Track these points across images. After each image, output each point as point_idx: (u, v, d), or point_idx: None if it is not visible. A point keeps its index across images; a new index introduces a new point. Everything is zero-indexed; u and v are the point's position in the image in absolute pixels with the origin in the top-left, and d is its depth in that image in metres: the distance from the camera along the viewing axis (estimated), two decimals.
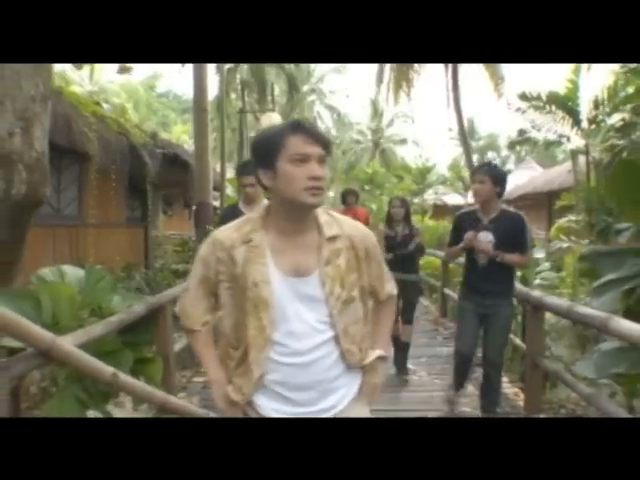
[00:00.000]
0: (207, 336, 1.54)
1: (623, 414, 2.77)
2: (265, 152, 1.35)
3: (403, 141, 31.47)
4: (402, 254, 4.20)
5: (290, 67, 15.62)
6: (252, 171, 3.27)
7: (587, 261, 3.47)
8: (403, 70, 12.67)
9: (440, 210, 17.36)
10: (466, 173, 15.01)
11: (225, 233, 1.44)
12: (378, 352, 1.53)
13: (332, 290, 1.38)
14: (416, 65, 12.63)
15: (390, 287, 1.60)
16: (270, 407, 1.41)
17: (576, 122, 9.19)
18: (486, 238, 3.06)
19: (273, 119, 8.75)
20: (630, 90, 7.68)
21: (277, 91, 18.22)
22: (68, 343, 1.97)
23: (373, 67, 13.47)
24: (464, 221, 3.25)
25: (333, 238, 1.41)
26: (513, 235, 3.07)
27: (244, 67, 15.15)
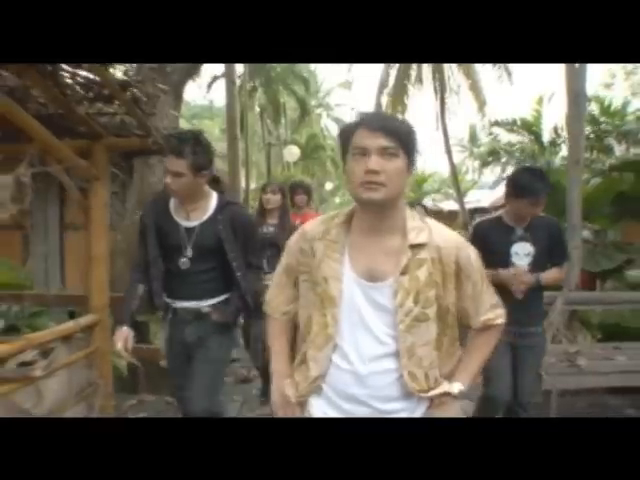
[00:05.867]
0: (283, 326, 1.49)
1: None
2: (340, 146, 1.31)
3: None
4: None
5: (301, 91, 17.74)
6: (188, 155, 1.99)
7: None
8: (398, 96, 14.75)
9: (437, 216, 19.14)
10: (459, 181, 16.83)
11: (313, 224, 1.41)
12: (452, 386, 1.34)
13: (403, 303, 1.25)
14: (410, 90, 14.73)
15: (491, 316, 1.39)
16: (323, 413, 1.34)
17: (540, 144, 11.16)
18: (524, 250, 2.55)
19: (293, 152, 10.49)
20: None
21: (288, 106, 20.34)
22: None
23: (375, 82, 15.38)
24: (489, 231, 2.58)
25: (418, 246, 1.27)
26: (551, 244, 2.58)
27: (260, 91, 17.31)
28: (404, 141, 1.23)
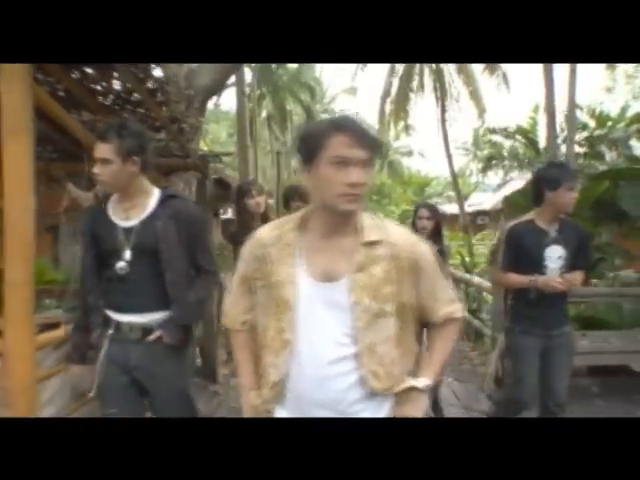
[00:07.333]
0: (245, 337, 1.46)
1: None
2: (306, 149, 1.24)
3: (409, 153, 33.72)
4: None
5: (306, 98, 18.36)
6: (113, 138, 1.82)
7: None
8: (401, 103, 15.31)
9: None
10: (461, 185, 17.33)
11: (266, 230, 1.38)
12: (418, 380, 1.33)
13: (359, 300, 1.24)
14: (412, 97, 15.30)
15: (451, 309, 1.39)
16: None
17: (535, 150, 11.69)
18: (557, 253, 2.55)
19: None
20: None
21: (294, 112, 20.96)
22: None
23: (379, 88, 15.90)
24: (524, 234, 2.60)
25: (372, 243, 1.27)
26: (579, 248, 2.58)
27: (267, 99, 17.95)
28: (377, 152, 1.24)
